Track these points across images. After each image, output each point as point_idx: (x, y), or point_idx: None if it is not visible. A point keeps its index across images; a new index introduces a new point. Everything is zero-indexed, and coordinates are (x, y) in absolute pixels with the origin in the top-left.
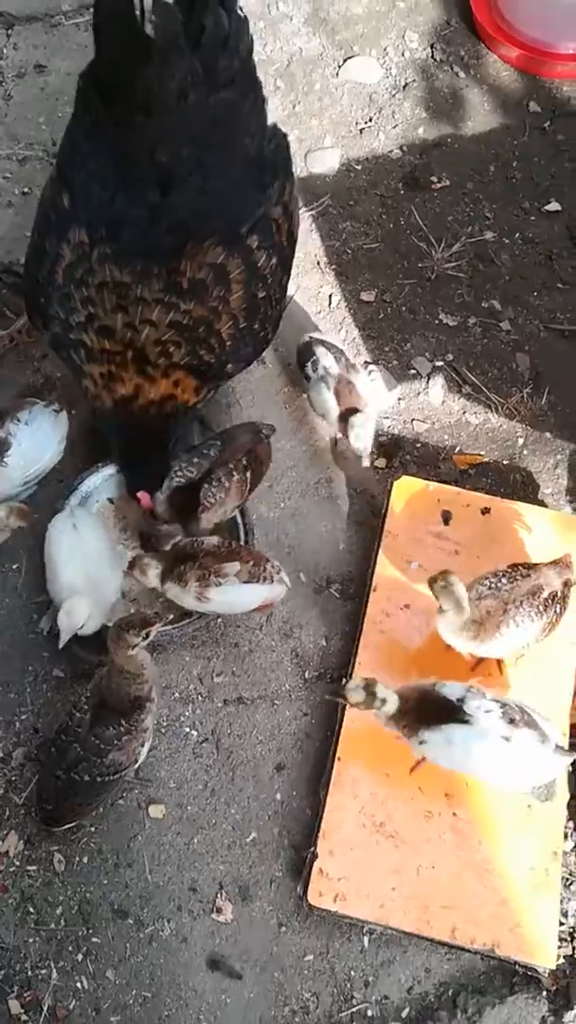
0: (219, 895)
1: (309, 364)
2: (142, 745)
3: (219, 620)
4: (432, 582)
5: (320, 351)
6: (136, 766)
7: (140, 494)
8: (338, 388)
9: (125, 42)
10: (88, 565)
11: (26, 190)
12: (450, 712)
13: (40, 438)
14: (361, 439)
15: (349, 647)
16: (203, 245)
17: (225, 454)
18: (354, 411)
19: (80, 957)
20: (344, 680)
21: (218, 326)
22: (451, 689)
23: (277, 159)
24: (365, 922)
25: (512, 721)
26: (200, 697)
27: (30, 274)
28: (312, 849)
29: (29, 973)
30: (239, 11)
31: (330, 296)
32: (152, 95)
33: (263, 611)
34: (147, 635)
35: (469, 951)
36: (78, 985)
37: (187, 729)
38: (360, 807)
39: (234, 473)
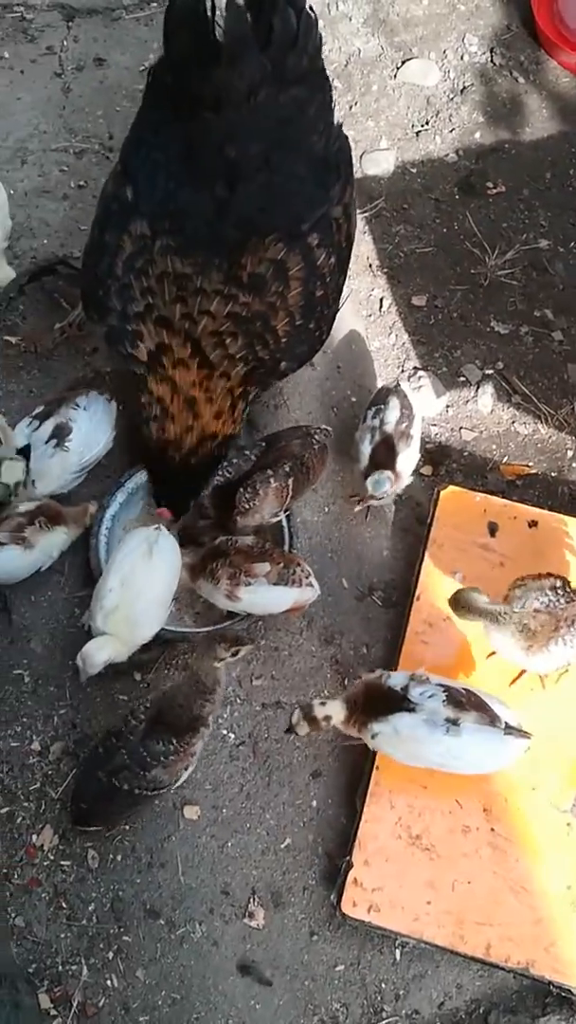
0: (252, 900)
1: (373, 409)
2: (186, 768)
3: (260, 623)
4: (453, 609)
5: (392, 404)
6: (175, 786)
7: (162, 510)
8: (378, 447)
9: (195, 46)
10: (145, 592)
11: (82, 183)
12: (396, 702)
13: (96, 424)
14: (375, 487)
15: (390, 656)
16: (265, 240)
17: (267, 458)
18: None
19: (111, 955)
20: (291, 714)
21: (274, 322)
22: (396, 679)
23: (341, 160)
24: (398, 934)
25: (458, 704)
26: (238, 699)
27: (89, 267)
28: (347, 858)
29: (60, 968)
30: (308, 10)
31: (381, 299)
32: (221, 93)
33: (294, 613)
34: (236, 653)
35: (503, 969)
36: (108, 983)
37: (224, 731)
38: (397, 818)
39: (272, 480)
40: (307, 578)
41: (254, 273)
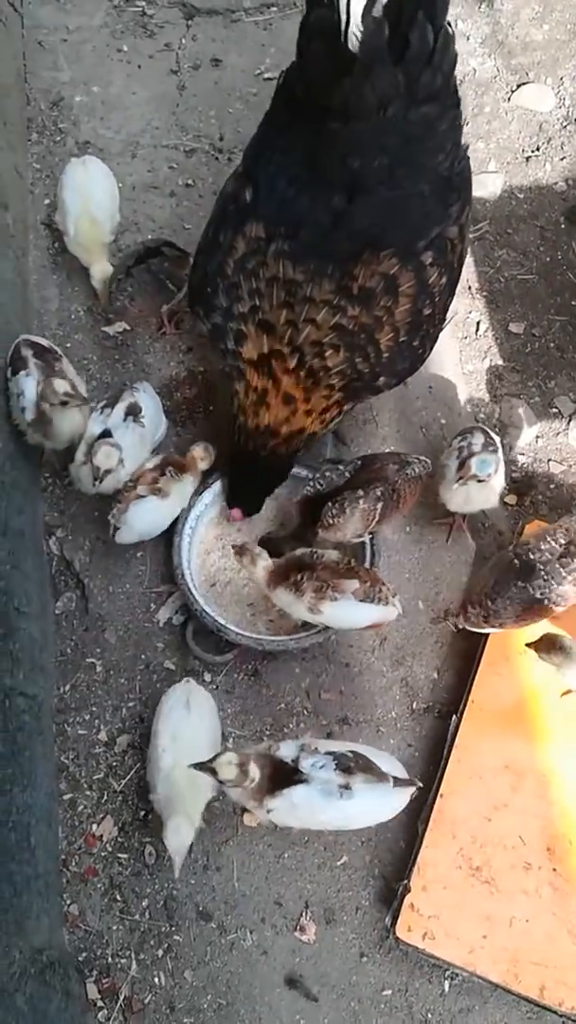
0: (304, 914)
1: (459, 438)
2: None
3: (333, 638)
4: (537, 651)
5: (477, 434)
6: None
7: (234, 511)
8: (464, 464)
9: (328, 58)
10: (192, 749)
11: (190, 182)
12: (289, 775)
13: (155, 406)
14: (481, 467)
15: (460, 683)
16: (379, 254)
17: (360, 477)
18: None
19: (160, 953)
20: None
21: (378, 336)
22: (286, 750)
23: (463, 180)
24: (451, 965)
25: (347, 769)
26: (305, 711)
27: (199, 265)
28: (405, 882)
29: (109, 960)
30: (447, 26)
31: (478, 323)
32: (350, 104)
33: (374, 629)
34: None
35: (555, 1012)
36: (156, 980)
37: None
38: (458, 848)
39: (361, 501)
40: (392, 597)
41: (364, 286)
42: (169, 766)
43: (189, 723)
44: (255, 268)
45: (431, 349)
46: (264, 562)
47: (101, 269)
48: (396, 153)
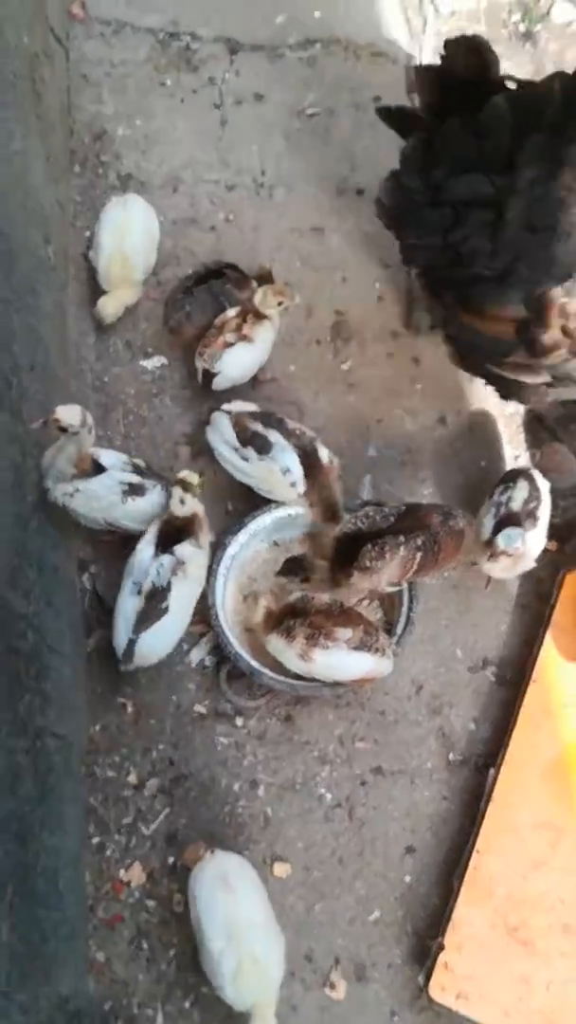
0: (334, 970)
1: (501, 487)
2: None
3: (368, 687)
4: None
5: (520, 485)
6: None
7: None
8: (502, 523)
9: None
10: (250, 933)
11: (230, 217)
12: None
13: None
14: (507, 541)
15: (499, 735)
16: None
17: (403, 523)
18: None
19: (187, 1005)
20: None
21: None
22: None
23: None
24: None
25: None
26: (338, 760)
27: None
28: (439, 939)
29: (135, 1010)
30: None
31: None
32: None
33: (361, 684)
34: None
35: None
36: None
37: (322, 790)
38: (495, 906)
39: (402, 548)
40: (388, 648)
41: None
42: (233, 970)
43: (238, 906)
44: None
45: None
46: (264, 604)
47: (113, 304)
48: None
